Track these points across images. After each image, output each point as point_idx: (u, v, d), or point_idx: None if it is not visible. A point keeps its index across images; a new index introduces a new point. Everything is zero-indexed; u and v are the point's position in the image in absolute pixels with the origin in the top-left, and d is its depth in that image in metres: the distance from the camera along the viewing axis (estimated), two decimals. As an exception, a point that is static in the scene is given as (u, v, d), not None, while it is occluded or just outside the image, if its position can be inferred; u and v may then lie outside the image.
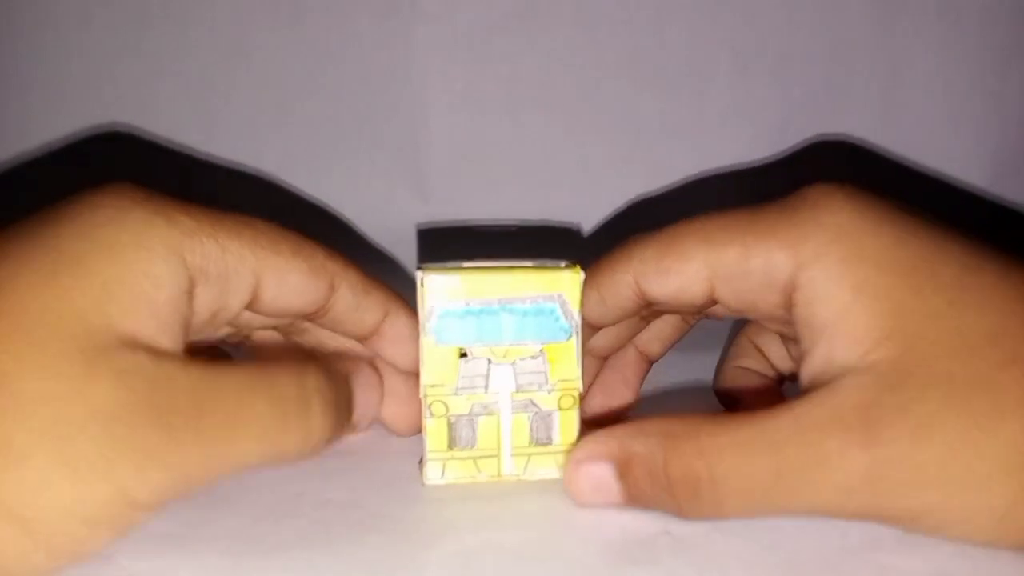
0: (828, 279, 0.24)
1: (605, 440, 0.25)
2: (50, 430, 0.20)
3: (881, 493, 0.22)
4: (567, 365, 0.27)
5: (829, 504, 0.23)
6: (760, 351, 0.32)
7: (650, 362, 0.32)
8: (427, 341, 0.26)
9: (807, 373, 0.24)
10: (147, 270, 0.22)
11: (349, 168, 0.51)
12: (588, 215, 0.52)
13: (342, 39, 0.49)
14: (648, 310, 0.29)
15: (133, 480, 0.20)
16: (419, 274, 0.26)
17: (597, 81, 0.50)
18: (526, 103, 0.51)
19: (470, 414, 0.27)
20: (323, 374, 0.25)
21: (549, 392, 0.27)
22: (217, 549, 0.23)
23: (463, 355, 0.27)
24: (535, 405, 0.27)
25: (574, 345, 0.27)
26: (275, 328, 0.29)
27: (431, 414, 0.27)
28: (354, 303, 0.28)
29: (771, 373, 0.32)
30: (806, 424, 0.23)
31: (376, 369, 0.28)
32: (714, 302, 0.27)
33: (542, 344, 0.27)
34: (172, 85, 0.49)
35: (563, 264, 0.27)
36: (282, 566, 0.23)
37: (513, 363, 0.27)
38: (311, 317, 0.28)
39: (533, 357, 0.27)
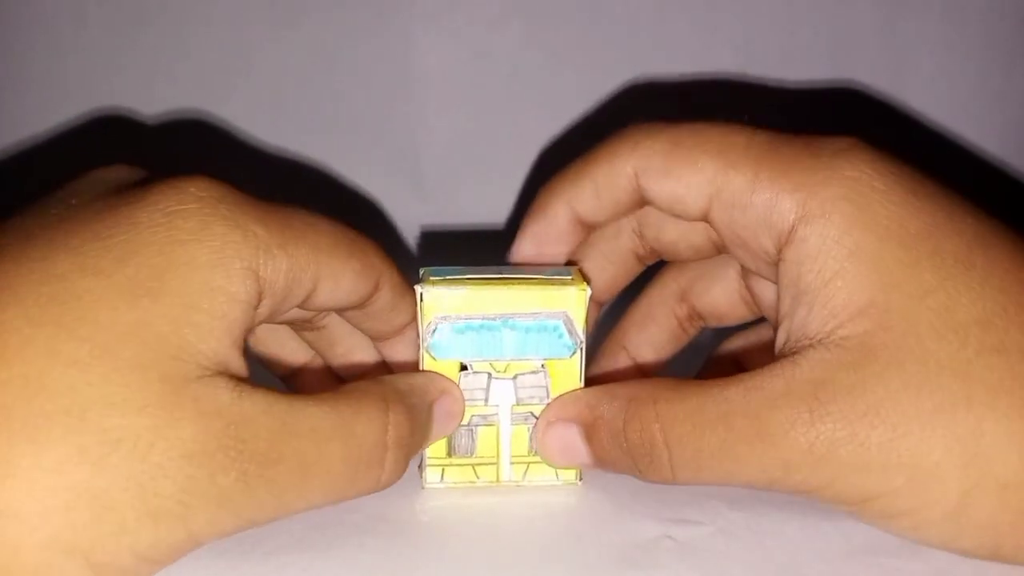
0: (824, 240, 0.23)
1: (574, 402, 0.26)
2: (135, 475, 0.19)
3: (823, 472, 0.22)
4: (569, 380, 0.26)
5: (772, 478, 0.22)
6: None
7: (642, 372, 0.32)
8: (426, 355, 0.26)
9: (780, 338, 0.24)
10: (225, 289, 0.22)
11: (347, 166, 0.50)
12: None
13: (341, 37, 0.49)
14: (639, 209, 0.27)
15: (205, 527, 0.20)
16: (419, 288, 0.25)
17: (597, 79, 0.50)
18: (526, 102, 0.50)
19: (469, 424, 0.27)
20: (405, 422, 0.24)
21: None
22: (214, 551, 0.23)
23: (463, 368, 0.26)
24: (535, 417, 0.27)
25: (577, 361, 0.26)
26: (292, 321, 0.28)
27: None
28: (391, 303, 0.27)
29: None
30: (757, 396, 0.22)
31: (457, 395, 0.26)
32: (704, 220, 0.26)
33: (543, 360, 0.26)
34: (169, 86, 0.48)
35: (570, 276, 0.26)
36: (280, 569, 0.23)
37: (514, 377, 0.26)
38: (346, 310, 0.27)
39: (534, 372, 0.26)
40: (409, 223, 0.51)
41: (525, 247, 0.28)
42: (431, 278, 0.26)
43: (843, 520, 0.25)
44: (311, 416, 0.22)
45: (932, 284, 0.22)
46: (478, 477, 0.27)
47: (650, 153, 0.26)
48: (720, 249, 0.28)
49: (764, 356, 0.30)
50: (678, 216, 0.26)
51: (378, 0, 0.49)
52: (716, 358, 0.32)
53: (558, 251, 0.28)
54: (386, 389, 0.24)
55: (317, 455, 0.22)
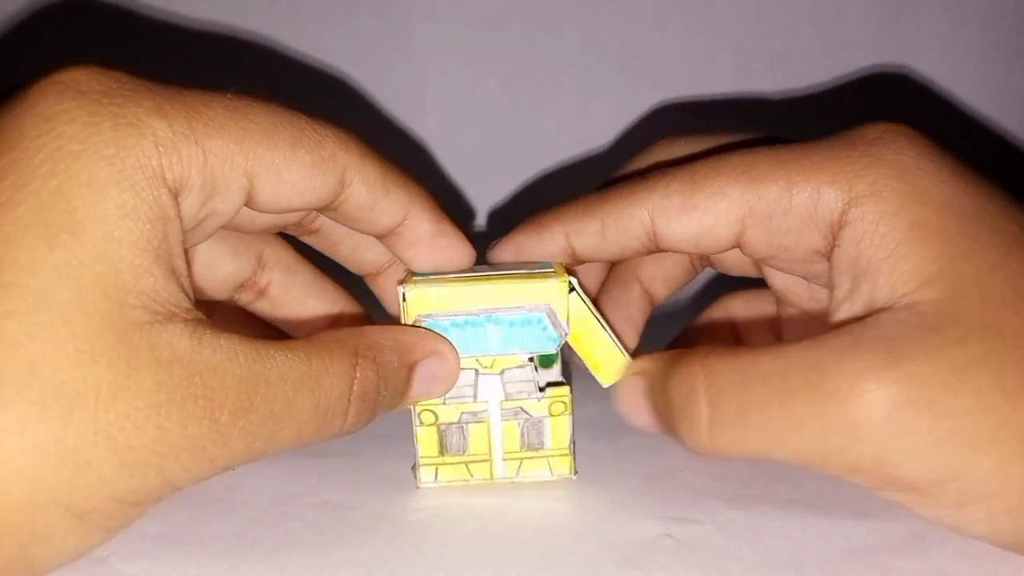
0: (883, 215, 0.21)
1: (647, 358, 0.25)
2: (103, 428, 0.19)
3: (895, 441, 0.19)
4: (596, 337, 0.26)
5: (831, 447, 0.20)
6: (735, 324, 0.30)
7: (653, 303, 0.30)
8: None
9: (840, 316, 0.22)
10: (138, 211, 0.20)
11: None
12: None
13: (341, 37, 0.49)
14: (650, 254, 0.26)
15: (181, 475, 0.20)
16: (400, 288, 0.25)
17: (597, 77, 0.50)
18: (526, 100, 0.50)
19: (459, 422, 0.27)
20: (372, 377, 0.23)
21: (539, 400, 0.27)
22: (212, 551, 0.23)
23: None
24: (525, 412, 0.27)
25: (592, 320, 0.26)
26: (284, 227, 0.27)
27: (420, 423, 0.27)
28: (369, 201, 0.24)
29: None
30: (821, 351, 0.20)
31: (451, 358, 0.25)
32: (735, 247, 0.25)
33: (529, 353, 0.26)
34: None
35: (552, 268, 0.26)
36: (278, 568, 0.22)
37: (501, 372, 0.26)
38: (320, 211, 0.25)
39: (521, 366, 0.26)
40: None
41: (506, 254, 0.28)
42: (414, 277, 0.26)
43: (844, 519, 0.24)
44: (279, 364, 0.21)
45: (996, 259, 0.21)
46: (472, 475, 0.27)
47: (668, 193, 0.24)
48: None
49: (762, 330, 0.30)
50: (704, 251, 0.25)
51: (378, 0, 0.49)
52: (700, 326, 0.31)
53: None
54: (361, 342, 0.23)
55: (286, 404, 0.21)
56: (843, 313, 0.22)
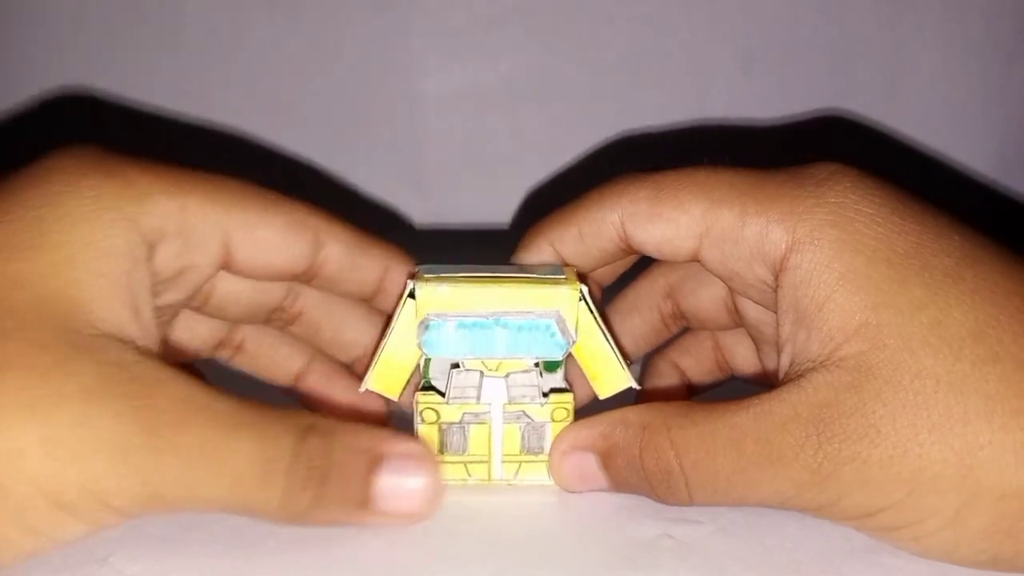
0: (816, 266, 0.23)
1: (588, 430, 0.26)
2: (30, 402, 0.19)
3: (830, 490, 0.22)
4: (603, 358, 0.26)
5: (784, 498, 0.23)
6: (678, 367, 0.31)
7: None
8: (393, 348, 0.26)
9: (784, 362, 0.24)
10: (101, 244, 0.22)
11: (346, 164, 0.50)
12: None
13: (341, 37, 0.49)
14: (630, 251, 0.27)
15: (107, 477, 0.20)
16: (410, 284, 0.25)
17: (598, 76, 0.50)
18: (526, 98, 0.50)
19: (461, 422, 0.26)
20: (326, 448, 0.22)
21: (542, 405, 0.27)
22: (212, 551, 0.23)
23: (455, 365, 0.26)
24: (527, 416, 0.27)
25: (601, 336, 0.26)
26: (267, 318, 0.28)
27: (422, 420, 0.26)
28: (348, 261, 0.26)
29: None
30: (767, 421, 0.23)
31: (431, 464, 0.24)
32: (694, 260, 0.26)
33: (536, 359, 0.26)
34: (168, 86, 0.48)
35: (563, 275, 0.26)
36: (278, 568, 0.22)
37: (506, 376, 0.26)
38: (303, 277, 0.26)
39: (526, 371, 0.26)
40: (407, 219, 0.51)
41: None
42: (424, 275, 0.26)
43: (843, 519, 0.25)
44: (226, 402, 0.21)
45: (923, 300, 0.22)
46: (469, 475, 0.27)
47: (636, 199, 0.26)
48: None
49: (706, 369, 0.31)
50: (666, 258, 0.27)
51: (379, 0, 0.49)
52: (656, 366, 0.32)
53: None
54: (319, 420, 0.23)
55: (224, 438, 0.21)
56: (786, 357, 0.24)
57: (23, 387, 0.20)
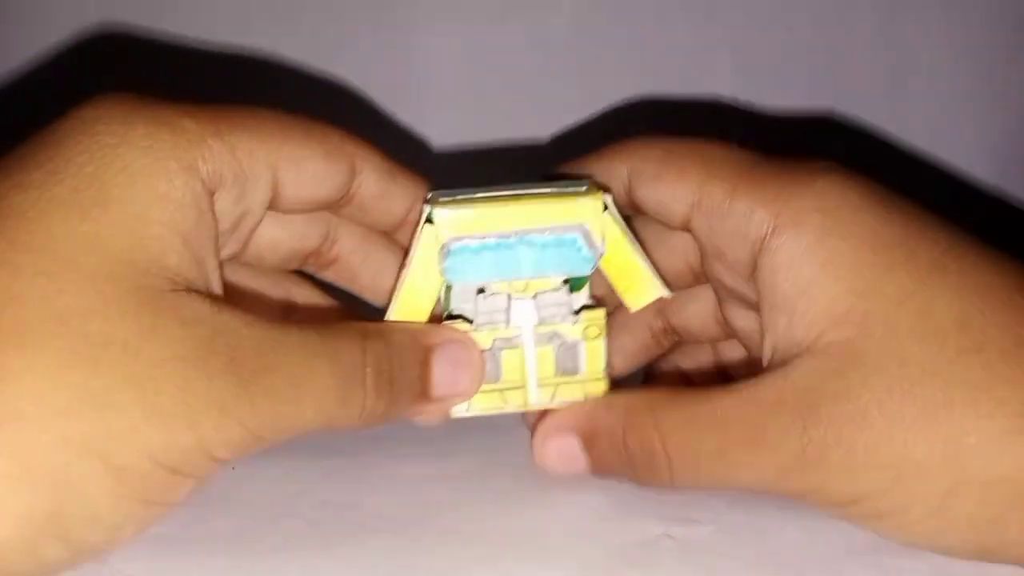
0: (797, 249, 0.23)
1: (572, 413, 0.26)
2: (130, 375, 0.19)
3: (814, 475, 0.22)
4: (630, 268, 0.26)
5: (767, 482, 0.23)
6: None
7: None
8: (418, 275, 0.25)
9: (767, 350, 0.24)
10: (169, 196, 0.21)
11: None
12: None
13: (341, 36, 0.49)
14: (632, 210, 0.27)
15: (212, 432, 0.20)
16: (428, 209, 0.24)
17: (598, 75, 0.50)
18: (526, 101, 0.50)
19: (492, 348, 0.26)
20: (382, 348, 0.23)
21: (574, 323, 0.26)
22: (213, 550, 0.23)
23: (481, 291, 0.25)
24: (560, 336, 0.26)
25: (628, 243, 0.25)
26: (303, 263, 0.28)
27: None
28: (380, 188, 0.26)
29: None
30: (751, 405, 0.23)
31: (471, 345, 0.25)
32: (686, 229, 0.26)
33: (563, 276, 0.25)
34: (168, 86, 0.48)
35: (584, 187, 0.25)
36: (279, 568, 0.22)
37: (534, 296, 0.25)
38: (336, 206, 0.26)
39: (555, 289, 0.25)
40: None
41: None
42: (440, 199, 0.25)
43: (843, 520, 0.24)
44: (295, 333, 0.22)
45: (909, 288, 0.22)
46: (506, 403, 0.26)
47: (645, 158, 0.26)
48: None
49: (708, 377, 0.31)
50: (662, 221, 0.27)
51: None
52: (660, 372, 0.32)
53: None
54: (366, 325, 0.24)
55: (307, 369, 0.22)
56: (768, 342, 0.24)
57: (120, 364, 0.19)
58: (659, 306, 0.30)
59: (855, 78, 0.50)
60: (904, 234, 0.23)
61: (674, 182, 0.26)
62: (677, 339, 0.31)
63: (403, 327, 0.25)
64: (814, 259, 0.23)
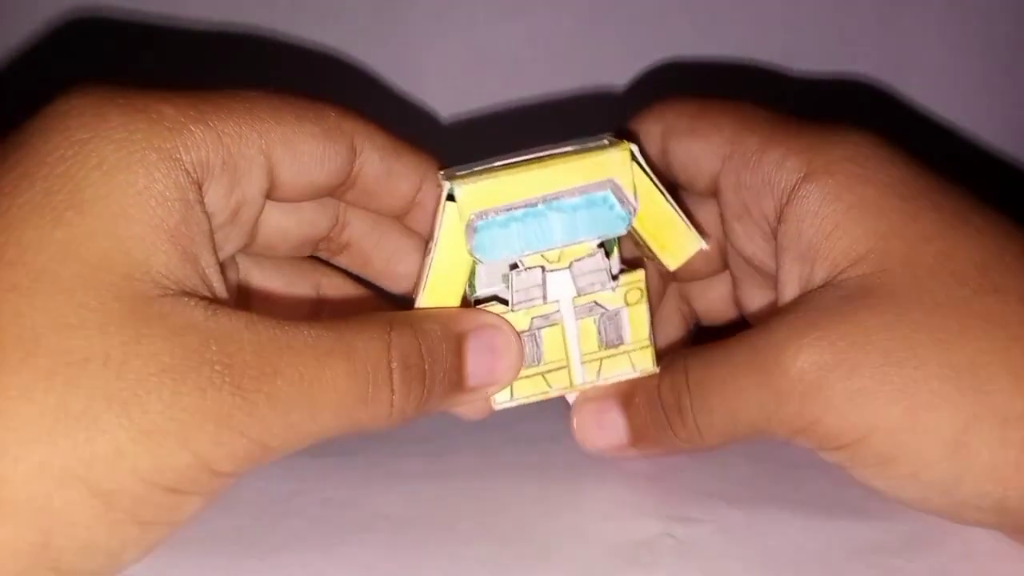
0: (827, 195, 0.23)
1: (608, 387, 0.26)
2: (114, 394, 0.18)
3: (814, 403, 0.21)
4: (668, 223, 0.24)
5: (768, 413, 0.22)
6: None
7: None
8: (443, 259, 0.23)
9: (785, 296, 0.24)
10: (150, 189, 0.19)
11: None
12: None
13: (341, 36, 0.49)
14: (664, 171, 0.27)
15: (210, 447, 0.19)
16: (447, 184, 0.22)
17: (599, 75, 0.50)
18: (527, 101, 0.50)
19: (531, 329, 0.24)
20: (410, 340, 0.22)
21: (614, 290, 0.24)
22: (213, 549, 0.23)
23: (513, 267, 0.24)
24: (600, 306, 0.25)
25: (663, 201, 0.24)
26: (314, 245, 0.27)
27: None
28: (384, 167, 0.24)
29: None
30: (756, 332, 0.23)
31: (506, 329, 0.24)
32: (713, 193, 0.26)
33: (598, 239, 0.24)
34: (176, 69, 0.48)
35: (606, 140, 0.23)
36: (279, 567, 0.22)
37: (569, 266, 0.24)
38: (340, 190, 0.25)
39: (591, 255, 0.24)
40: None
41: None
42: (457, 175, 0.23)
43: (844, 519, 0.24)
44: (303, 333, 0.20)
45: (932, 233, 0.22)
46: (550, 386, 0.25)
47: (679, 114, 0.26)
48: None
49: None
50: (690, 179, 0.26)
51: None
52: None
53: None
54: (393, 315, 0.23)
55: (318, 369, 0.20)
56: (784, 296, 0.24)
57: (101, 382, 0.18)
58: (681, 291, 0.30)
59: (853, 80, 0.50)
60: (930, 187, 0.23)
61: (708, 135, 0.25)
62: (698, 321, 0.31)
63: (433, 314, 0.23)
64: (840, 204, 0.23)
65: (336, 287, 0.28)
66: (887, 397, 0.21)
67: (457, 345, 0.23)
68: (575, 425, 0.26)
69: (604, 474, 0.27)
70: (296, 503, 0.25)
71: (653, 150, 0.26)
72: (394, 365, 0.21)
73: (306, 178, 0.23)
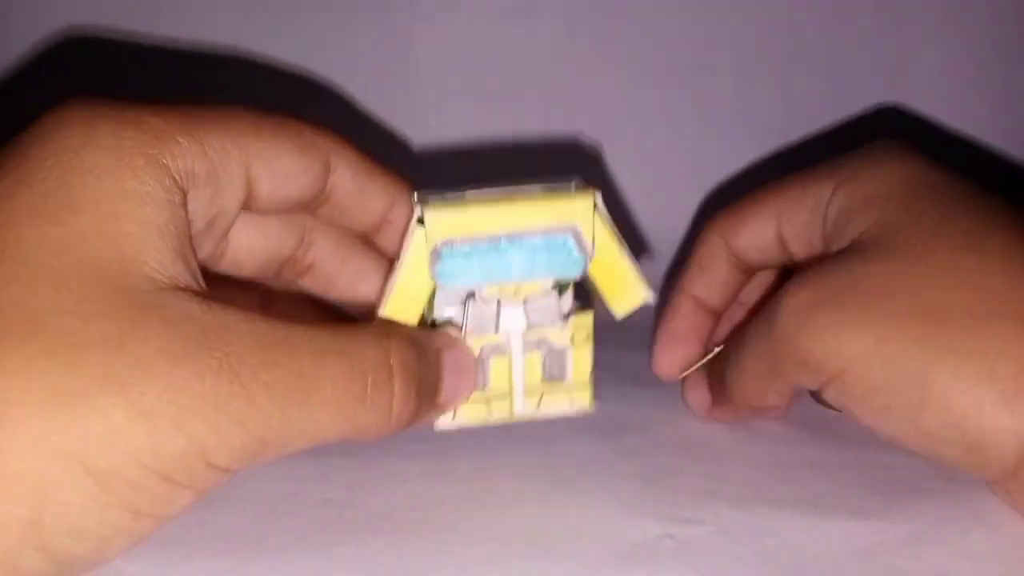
0: (850, 192, 0.26)
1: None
2: (112, 374, 0.18)
3: (806, 333, 0.24)
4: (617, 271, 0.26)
5: (776, 352, 0.25)
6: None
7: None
8: (406, 280, 0.24)
9: None
10: (138, 191, 0.20)
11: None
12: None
13: (341, 36, 0.49)
14: (742, 265, 0.31)
15: (208, 435, 0.19)
16: (417, 209, 0.24)
17: (598, 77, 0.50)
18: (527, 101, 0.50)
19: (480, 356, 0.25)
20: (409, 346, 0.23)
21: (562, 329, 0.26)
22: (214, 551, 0.23)
23: (471, 295, 0.25)
24: (548, 343, 0.26)
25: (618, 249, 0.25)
26: (279, 271, 0.27)
27: None
28: (356, 186, 0.25)
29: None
30: (774, 297, 0.25)
31: (469, 352, 0.25)
32: (786, 248, 0.29)
33: (554, 279, 0.25)
34: (169, 84, 0.48)
35: (573, 187, 0.25)
36: (280, 567, 0.22)
37: (524, 301, 0.25)
38: (313, 205, 0.25)
39: (544, 294, 0.25)
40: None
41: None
42: (430, 200, 0.24)
43: (844, 520, 0.25)
44: (301, 331, 0.21)
45: (930, 209, 0.25)
46: (491, 413, 0.26)
47: (727, 215, 0.30)
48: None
49: None
50: (764, 251, 0.30)
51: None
52: None
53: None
54: (388, 324, 0.24)
55: (316, 366, 0.20)
56: None
57: (99, 362, 0.18)
58: (727, 241, 0.31)
59: (853, 81, 0.50)
60: (935, 177, 0.26)
61: (754, 217, 0.30)
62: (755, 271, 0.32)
63: (419, 330, 0.24)
64: (860, 196, 0.26)
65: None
66: (863, 330, 0.23)
67: (438, 360, 0.24)
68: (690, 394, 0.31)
69: (604, 475, 0.28)
70: (296, 504, 0.25)
71: (723, 255, 0.31)
72: (395, 368, 0.22)
73: (282, 192, 0.24)
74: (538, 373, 0.26)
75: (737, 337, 0.28)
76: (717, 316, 0.32)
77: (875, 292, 0.23)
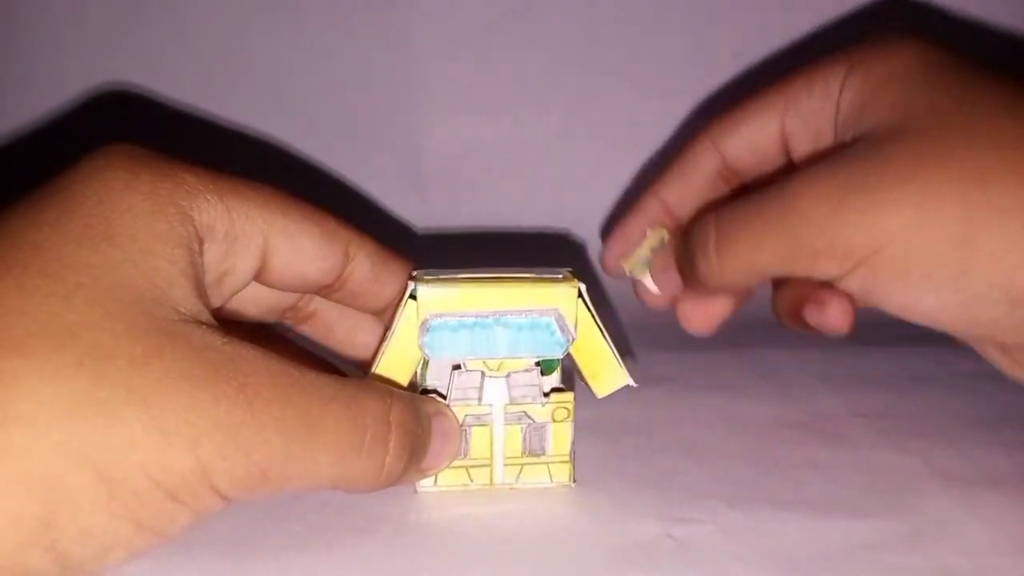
0: (866, 75, 0.26)
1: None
2: (136, 389, 0.19)
3: (835, 218, 0.23)
4: (600, 356, 0.27)
5: (794, 242, 0.24)
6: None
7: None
8: (396, 349, 0.26)
9: None
10: (168, 234, 0.22)
11: (348, 168, 0.50)
12: (587, 219, 0.51)
13: (342, 38, 0.49)
14: (729, 173, 0.30)
15: (215, 458, 0.20)
16: (411, 285, 0.25)
17: (597, 81, 0.50)
18: (525, 103, 0.50)
19: (463, 425, 0.26)
20: (408, 406, 0.24)
21: (543, 405, 0.27)
22: (213, 552, 0.23)
23: (457, 367, 0.26)
24: (529, 417, 0.27)
25: (602, 340, 0.26)
26: (281, 313, 0.28)
27: None
28: (372, 274, 0.27)
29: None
30: (791, 177, 0.25)
31: (456, 420, 0.26)
32: (786, 149, 0.29)
33: (536, 357, 0.26)
34: (170, 87, 0.49)
35: (561, 275, 0.26)
36: (279, 569, 0.22)
37: (507, 376, 0.26)
38: (328, 290, 0.27)
39: (527, 370, 0.26)
40: (409, 224, 0.51)
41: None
42: (424, 277, 0.26)
43: (843, 519, 0.25)
44: (312, 375, 0.22)
45: (951, 84, 0.24)
46: (471, 480, 0.27)
47: (720, 119, 0.29)
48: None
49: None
50: (762, 156, 0.29)
51: (379, 1, 0.49)
52: None
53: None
54: (388, 386, 0.25)
55: (321, 410, 0.22)
56: None
57: (124, 377, 0.19)
58: (718, 146, 0.31)
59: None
60: (952, 60, 0.25)
61: (754, 115, 0.29)
62: (738, 182, 0.32)
63: (412, 394, 0.25)
64: (876, 78, 0.26)
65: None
66: (898, 205, 0.22)
67: (429, 425, 0.25)
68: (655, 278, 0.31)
69: (604, 475, 0.28)
70: (296, 506, 0.25)
71: (711, 161, 0.30)
72: (394, 425, 0.23)
73: (296, 268, 0.25)
74: (518, 445, 0.27)
75: (706, 224, 0.27)
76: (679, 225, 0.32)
77: (908, 169, 0.23)
